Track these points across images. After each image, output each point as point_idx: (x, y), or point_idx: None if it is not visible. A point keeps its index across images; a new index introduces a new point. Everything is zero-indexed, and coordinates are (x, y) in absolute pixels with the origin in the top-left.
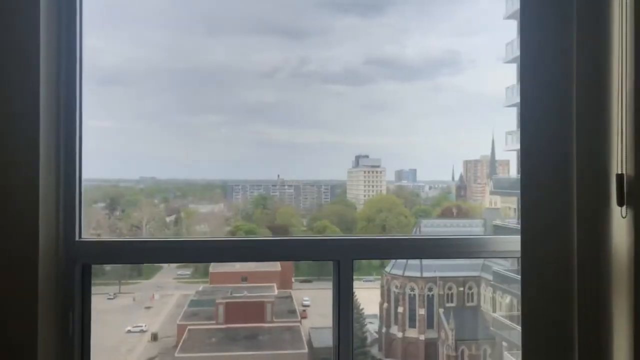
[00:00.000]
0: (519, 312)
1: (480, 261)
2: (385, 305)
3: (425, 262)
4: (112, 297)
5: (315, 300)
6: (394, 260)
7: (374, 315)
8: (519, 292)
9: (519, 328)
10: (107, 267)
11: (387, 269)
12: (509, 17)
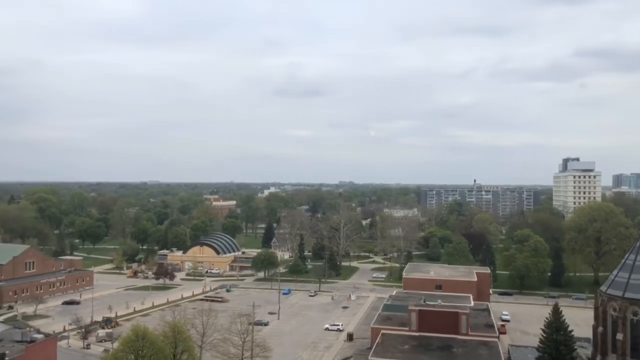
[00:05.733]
0: None
1: None
2: (600, 329)
3: None
4: (312, 294)
5: (515, 316)
6: (612, 278)
7: (586, 339)
8: None
9: None
10: (309, 265)
11: (603, 287)
12: None
